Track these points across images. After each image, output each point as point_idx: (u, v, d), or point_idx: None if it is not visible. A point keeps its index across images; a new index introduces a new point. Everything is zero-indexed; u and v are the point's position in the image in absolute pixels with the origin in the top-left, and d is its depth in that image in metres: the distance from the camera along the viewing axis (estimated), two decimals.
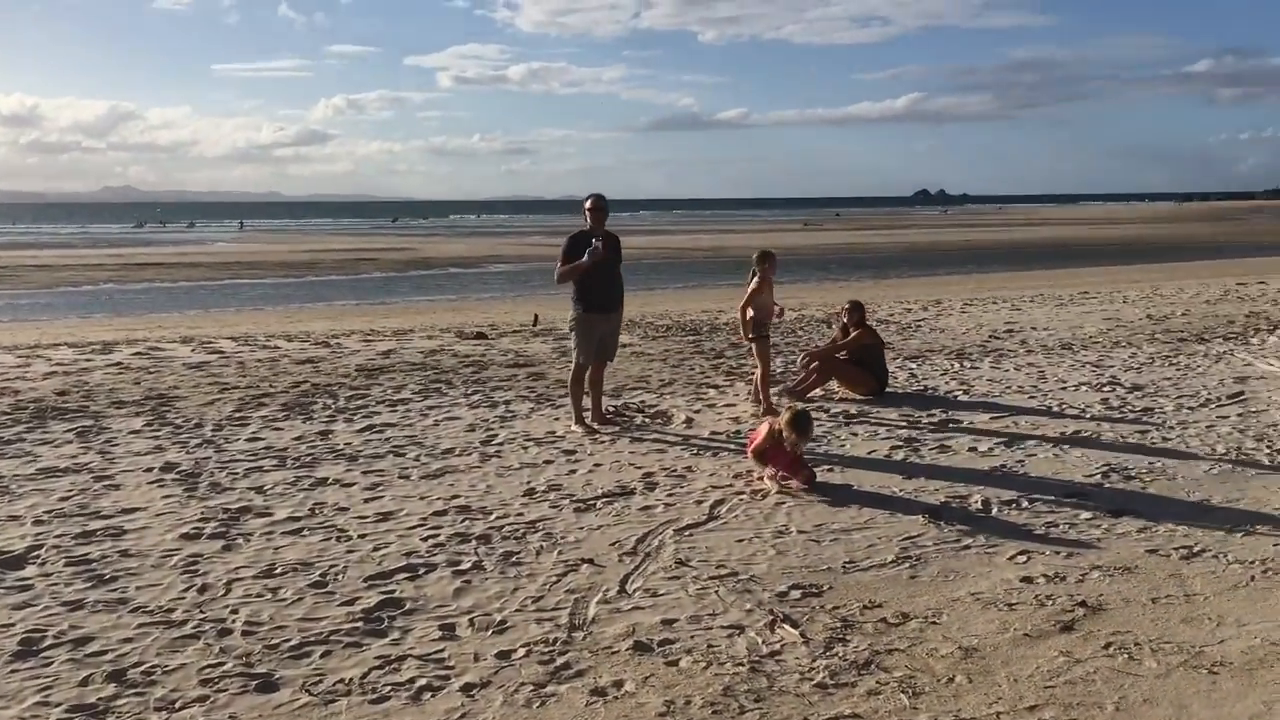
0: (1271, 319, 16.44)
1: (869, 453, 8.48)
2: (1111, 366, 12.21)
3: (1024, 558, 6.03)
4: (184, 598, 5.51)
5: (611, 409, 9.97)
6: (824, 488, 7.39)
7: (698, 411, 10.10)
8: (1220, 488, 7.36)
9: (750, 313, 9.94)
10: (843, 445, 8.72)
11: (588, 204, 9.37)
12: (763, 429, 7.72)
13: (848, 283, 32.92)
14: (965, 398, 10.61)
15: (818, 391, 10.72)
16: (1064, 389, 10.94)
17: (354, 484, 7.68)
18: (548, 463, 8.27)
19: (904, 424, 9.45)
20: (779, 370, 11.81)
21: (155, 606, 5.40)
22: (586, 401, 9.48)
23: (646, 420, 9.76)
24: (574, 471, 8.00)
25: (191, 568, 5.97)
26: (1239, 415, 9.56)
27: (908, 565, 5.93)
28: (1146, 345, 13.87)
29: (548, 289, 35.02)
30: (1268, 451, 8.28)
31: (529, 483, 7.68)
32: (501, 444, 8.85)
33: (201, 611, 5.32)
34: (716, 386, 11.40)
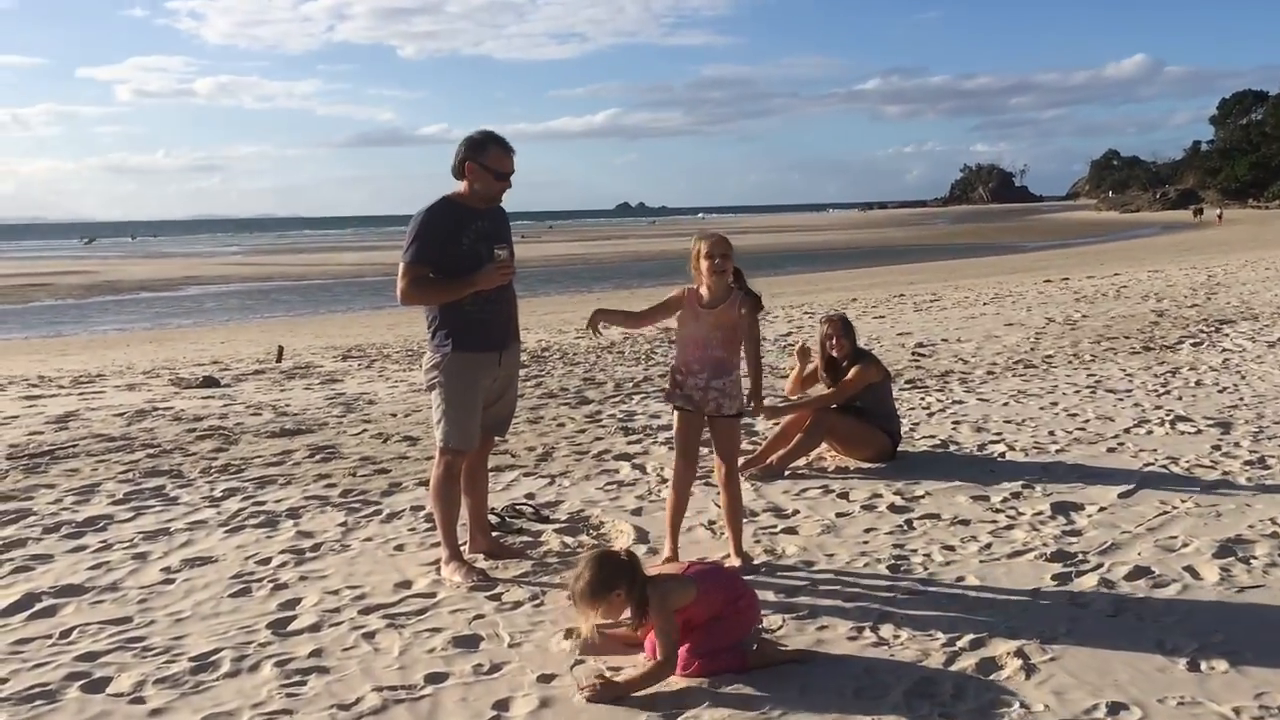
0: (1190, 319, 13.87)
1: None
2: (1130, 392, 8.85)
3: None
4: None
5: (495, 516, 5.60)
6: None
7: (638, 513, 5.86)
8: None
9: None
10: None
11: (478, 140, 4.92)
12: None
13: (594, 294, 29.58)
14: (1021, 458, 6.85)
15: (800, 462, 6.76)
16: (1126, 431, 7.45)
17: None
18: (436, 680, 3.83)
19: (1006, 520, 5.58)
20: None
21: None
22: (463, 514, 5.10)
23: (567, 544, 5.40)
24: (508, 705, 3.63)
25: None
26: None
27: None
28: (1118, 358, 10.71)
29: (267, 310, 29.56)
30: None
31: None
32: (317, 628, 4.32)
33: None
34: (628, 457, 7.15)
